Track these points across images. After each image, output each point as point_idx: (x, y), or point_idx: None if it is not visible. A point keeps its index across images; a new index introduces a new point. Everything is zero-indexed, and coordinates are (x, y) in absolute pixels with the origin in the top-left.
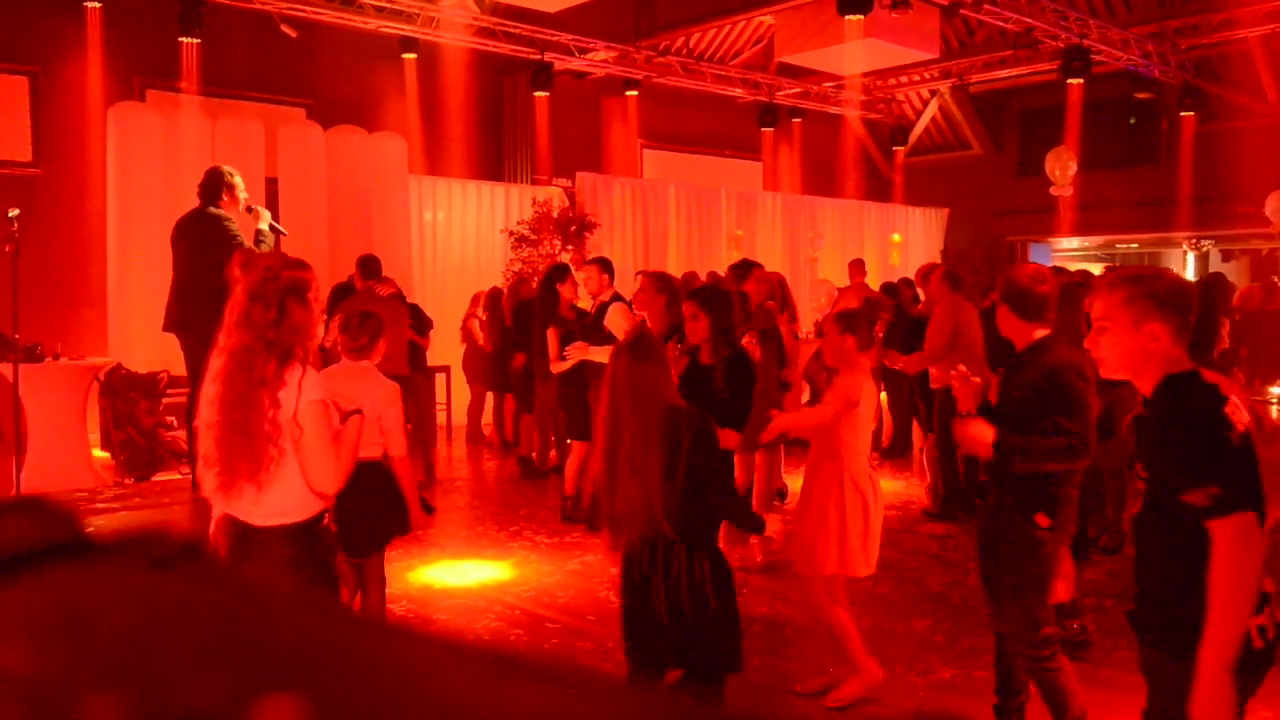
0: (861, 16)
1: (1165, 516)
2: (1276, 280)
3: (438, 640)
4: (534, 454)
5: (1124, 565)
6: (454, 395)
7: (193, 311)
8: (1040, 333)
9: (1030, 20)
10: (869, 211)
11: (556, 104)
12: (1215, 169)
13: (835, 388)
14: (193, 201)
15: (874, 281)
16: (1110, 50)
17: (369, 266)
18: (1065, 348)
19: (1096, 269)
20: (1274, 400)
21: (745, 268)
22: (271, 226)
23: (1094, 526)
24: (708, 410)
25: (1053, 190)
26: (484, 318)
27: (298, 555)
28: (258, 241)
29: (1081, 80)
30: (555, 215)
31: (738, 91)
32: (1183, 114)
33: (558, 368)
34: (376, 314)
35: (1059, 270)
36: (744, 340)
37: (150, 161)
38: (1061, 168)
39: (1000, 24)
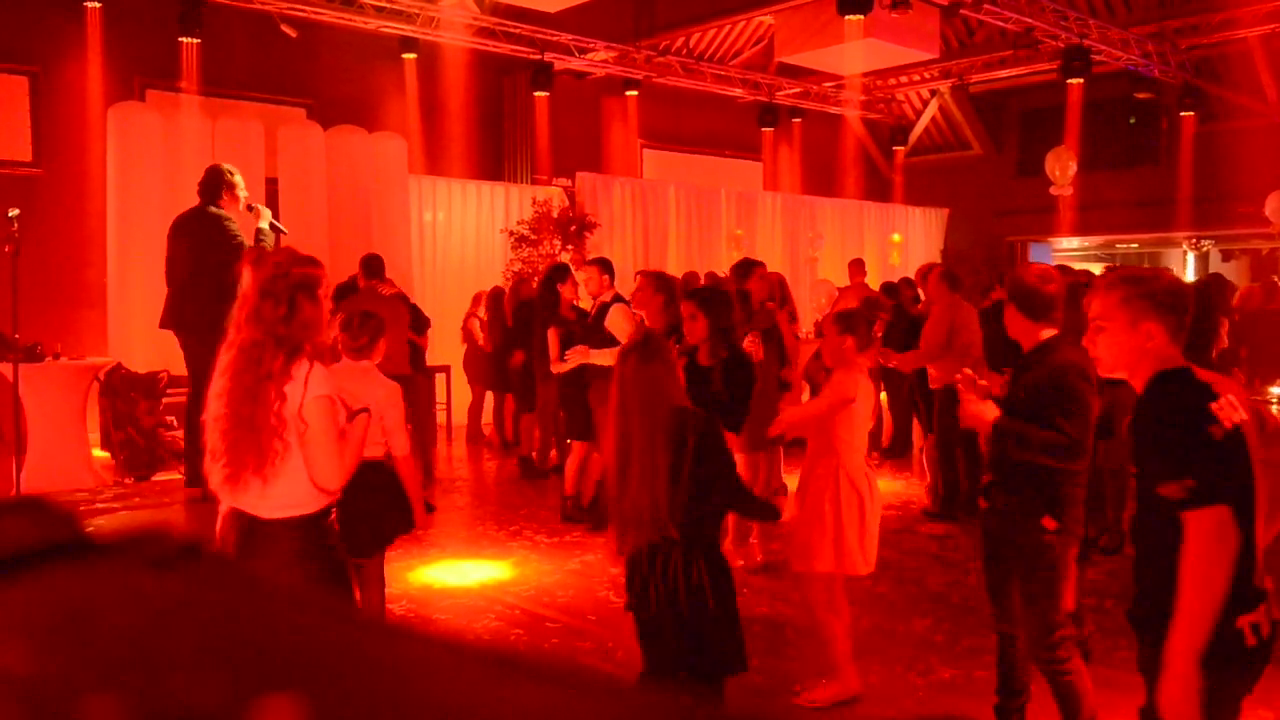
0: (861, 16)
1: (1162, 516)
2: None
3: (438, 640)
4: (534, 454)
5: (1124, 565)
6: (454, 395)
7: (193, 310)
8: (1047, 333)
9: (1030, 20)
10: (869, 211)
11: (556, 104)
12: (1215, 169)
13: (831, 383)
14: (193, 201)
15: (874, 281)
16: (1110, 50)
17: (372, 266)
18: (1072, 348)
19: (1096, 269)
20: (1274, 400)
21: (747, 266)
22: (272, 225)
23: (1094, 526)
24: (705, 411)
25: (1053, 190)
26: (484, 318)
27: (306, 548)
28: (258, 240)
29: (1081, 80)
30: (555, 215)
31: (738, 91)
32: (1183, 114)
33: (558, 369)
34: (377, 314)
35: (1065, 270)
36: (747, 339)
37: (150, 161)
38: (1061, 168)
39: (1000, 24)
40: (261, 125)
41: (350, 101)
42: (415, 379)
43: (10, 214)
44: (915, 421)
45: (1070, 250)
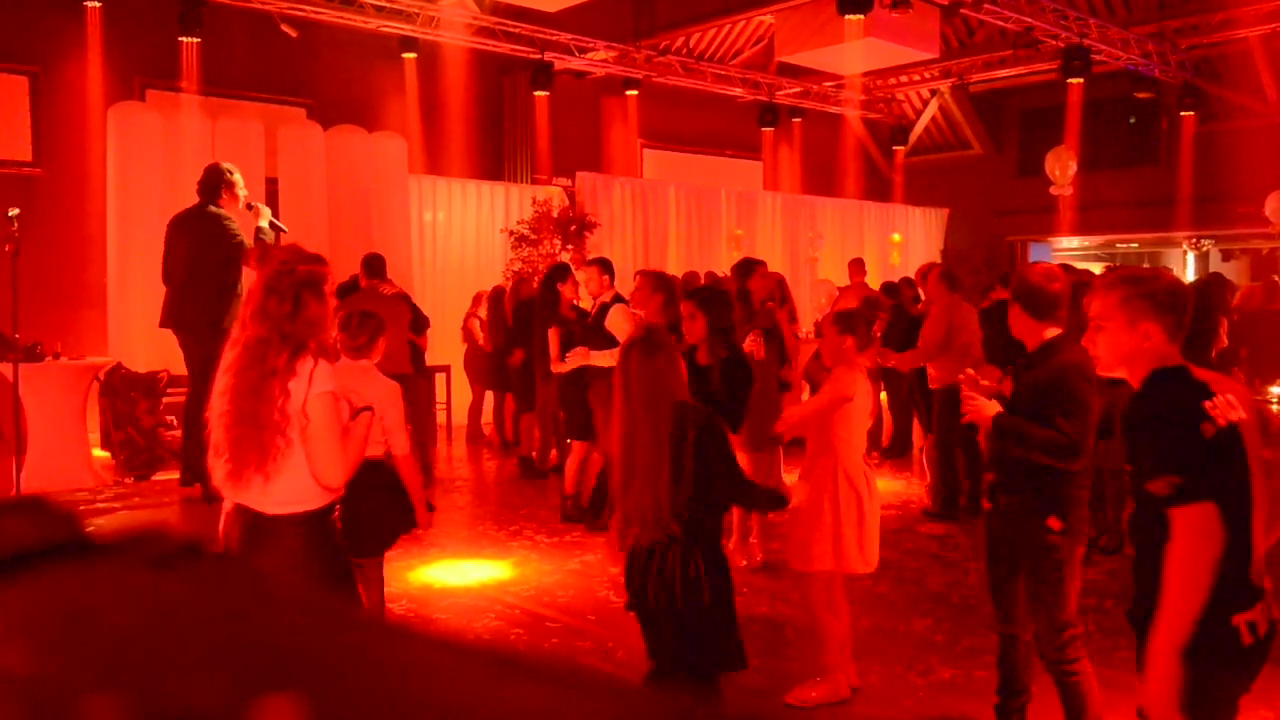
0: (861, 16)
1: (1151, 512)
2: (1277, 280)
3: (438, 640)
4: (534, 454)
5: (1124, 565)
6: (454, 395)
7: (192, 309)
8: (1052, 332)
9: (1030, 20)
10: (869, 211)
11: (556, 104)
12: (1215, 169)
13: (829, 381)
14: (193, 201)
15: (874, 281)
16: (1110, 50)
17: (374, 265)
18: (1076, 348)
19: (1097, 269)
20: (1275, 400)
21: (749, 265)
22: (272, 224)
23: (1094, 526)
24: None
25: (1053, 190)
26: (484, 317)
27: (309, 544)
28: (258, 238)
29: (1081, 80)
30: (555, 215)
31: (738, 91)
32: (1183, 114)
33: (558, 369)
34: (376, 313)
35: (1068, 269)
36: (749, 338)
37: (150, 161)
38: (1061, 167)
39: (1000, 24)
40: (261, 125)
41: (350, 101)
42: (415, 379)
43: (10, 214)
44: (915, 421)
45: (1070, 250)
